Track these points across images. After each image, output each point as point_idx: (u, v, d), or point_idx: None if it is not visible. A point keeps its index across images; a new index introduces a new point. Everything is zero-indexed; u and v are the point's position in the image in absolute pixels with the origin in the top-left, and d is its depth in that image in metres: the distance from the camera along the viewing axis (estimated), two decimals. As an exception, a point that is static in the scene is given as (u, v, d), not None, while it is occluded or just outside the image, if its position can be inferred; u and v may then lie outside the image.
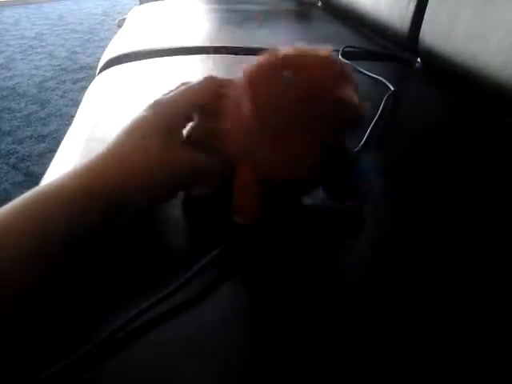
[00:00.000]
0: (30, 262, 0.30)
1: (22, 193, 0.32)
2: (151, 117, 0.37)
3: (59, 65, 2.50)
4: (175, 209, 0.42)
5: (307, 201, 0.41)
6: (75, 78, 2.30)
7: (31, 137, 1.71)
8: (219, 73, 0.41)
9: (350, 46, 0.86)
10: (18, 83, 2.23)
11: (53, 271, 0.32)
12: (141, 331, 0.29)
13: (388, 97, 0.64)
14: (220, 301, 0.33)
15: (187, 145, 0.38)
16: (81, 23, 3.36)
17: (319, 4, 1.37)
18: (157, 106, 0.38)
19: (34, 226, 0.31)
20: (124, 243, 0.37)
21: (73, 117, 0.75)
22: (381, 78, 0.71)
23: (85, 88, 0.89)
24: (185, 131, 0.39)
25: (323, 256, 0.37)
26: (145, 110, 0.38)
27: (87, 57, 2.62)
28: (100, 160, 0.35)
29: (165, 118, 0.37)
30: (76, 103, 1.78)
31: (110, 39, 1.19)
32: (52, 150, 1.54)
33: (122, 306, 0.31)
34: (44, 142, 1.68)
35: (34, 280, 0.30)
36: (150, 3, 1.41)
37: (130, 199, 0.35)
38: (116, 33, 1.23)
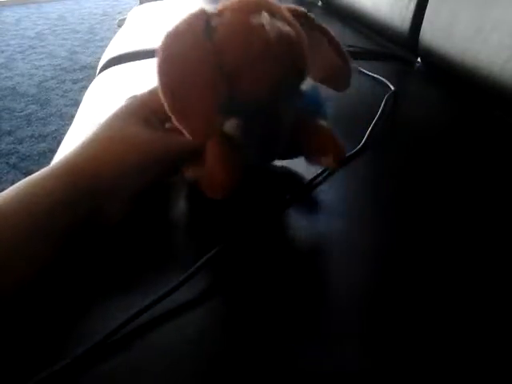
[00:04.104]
0: (29, 244, 0.30)
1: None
2: (128, 106, 0.39)
3: (59, 65, 2.50)
4: (174, 209, 0.42)
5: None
6: (75, 77, 2.31)
7: (31, 137, 1.71)
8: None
9: (351, 46, 0.86)
10: (18, 83, 2.23)
11: (52, 255, 0.32)
12: (138, 332, 0.29)
13: (388, 96, 0.63)
14: (218, 302, 0.33)
15: (166, 129, 0.39)
16: (81, 23, 3.37)
17: (319, 4, 1.37)
18: (133, 98, 0.40)
19: (28, 207, 0.31)
20: (121, 244, 0.37)
21: (73, 117, 0.75)
22: (381, 78, 0.71)
23: (85, 88, 0.89)
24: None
25: (320, 253, 0.37)
26: (124, 102, 0.40)
27: (87, 57, 2.62)
28: (82, 148, 0.36)
29: (141, 107, 0.39)
30: (76, 103, 1.78)
31: (110, 39, 1.19)
32: (52, 150, 1.55)
33: (118, 307, 0.31)
34: (44, 142, 1.68)
35: (33, 264, 0.31)
36: (150, 3, 1.41)
37: (116, 182, 0.35)
38: (116, 33, 1.23)
